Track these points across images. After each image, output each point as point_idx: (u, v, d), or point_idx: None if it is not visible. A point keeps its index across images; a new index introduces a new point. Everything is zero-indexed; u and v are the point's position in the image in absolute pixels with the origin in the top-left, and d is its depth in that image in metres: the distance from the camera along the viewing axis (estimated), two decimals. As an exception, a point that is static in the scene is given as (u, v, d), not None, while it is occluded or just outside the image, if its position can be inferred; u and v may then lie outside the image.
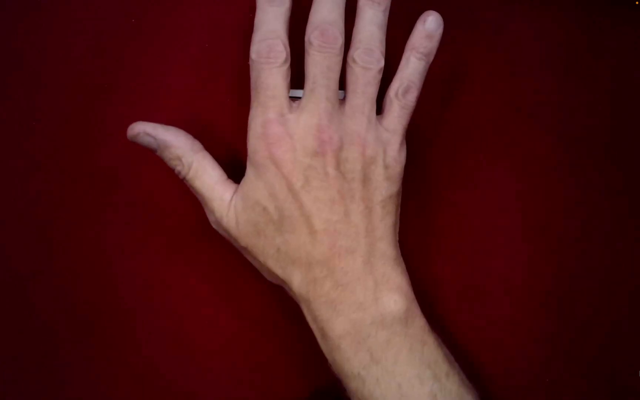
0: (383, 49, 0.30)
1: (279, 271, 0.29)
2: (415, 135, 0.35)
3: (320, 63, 0.28)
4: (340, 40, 0.29)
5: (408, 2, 0.37)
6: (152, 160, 0.35)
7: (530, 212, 0.35)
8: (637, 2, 0.36)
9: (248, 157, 0.29)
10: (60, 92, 0.35)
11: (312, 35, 0.28)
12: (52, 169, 0.35)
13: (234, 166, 0.32)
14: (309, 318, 0.29)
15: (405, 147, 0.31)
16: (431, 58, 0.31)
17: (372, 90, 0.29)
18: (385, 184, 0.29)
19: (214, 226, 0.31)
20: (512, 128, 0.35)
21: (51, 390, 0.33)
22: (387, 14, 0.30)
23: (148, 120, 0.35)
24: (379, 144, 0.29)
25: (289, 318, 0.34)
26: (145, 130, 0.29)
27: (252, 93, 0.29)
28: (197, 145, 0.30)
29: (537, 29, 0.36)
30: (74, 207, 0.35)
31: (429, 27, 0.30)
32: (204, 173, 0.30)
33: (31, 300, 0.34)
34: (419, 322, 0.28)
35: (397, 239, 0.31)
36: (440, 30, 0.30)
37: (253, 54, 0.28)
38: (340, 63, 0.29)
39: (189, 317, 0.34)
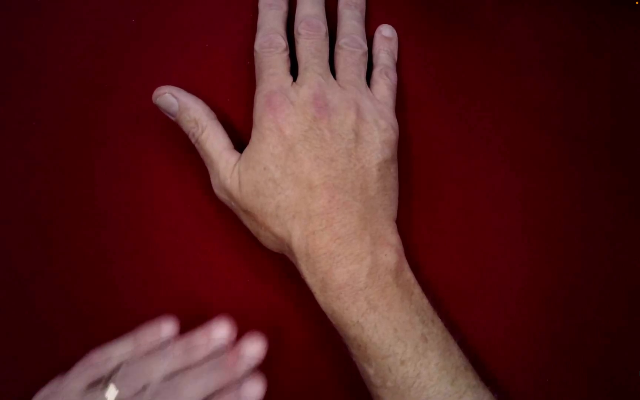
0: (364, 37, 0.34)
1: (278, 229, 0.30)
2: (416, 135, 0.35)
3: (309, 47, 0.32)
4: (324, 28, 0.33)
5: (405, 5, 0.37)
6: (152, 160, 0.35)
7: (530, 211, 0.35)
8: (637, 2, 0.36)
9: (253, 126, 0.31)
10: (60, 92, 0.35)
11: (300, 26, 0.33)
12: (52, 169, 0.35)
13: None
14: (307, 274, 0.30)
15: (396, 120, 0.33)
16: (395, 54, 0.36)
17: (361, 68, 0.33)
18: (380, 146, 0.31)
19: (217, 191, 0.32)
20: (512, 128, 0.35)
21: (51, 390, 0.33)
22: (363, 12, 0.35)
23: (149, 119, 0.35)
24: (374, 110, 0.32)
25: (291, 321, 0.34)
26: (170, 91, 0.32)
27: (257, 78, 0.32)
28: (212, 113, 0.33)
29: (537, 29, 0.36)
30: (74, 207, 0.35)
31: (384, 32, 0.35)
32: (214, 138, 0.32)
33: (31, 300, 0.34)
34: (407, 275, 0.31)
35: (394, 211, 0.32)
36: (395, 34, 0.36)
37: (256, 47, 0.33)
38: (327, 47, 0.33)
39: (189, 317, 0.34)
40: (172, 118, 0.33)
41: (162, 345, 0.29)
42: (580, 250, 0.34)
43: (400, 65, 0.36)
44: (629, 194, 0.35)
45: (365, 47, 0.34)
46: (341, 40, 0.34)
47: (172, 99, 0.32)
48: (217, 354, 0.28)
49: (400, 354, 0.28)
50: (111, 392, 0.27)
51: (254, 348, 0.28)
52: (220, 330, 0.29)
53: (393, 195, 0.32)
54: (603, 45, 0.36)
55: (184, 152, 0.35)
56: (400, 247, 0.31)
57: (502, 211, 0.35)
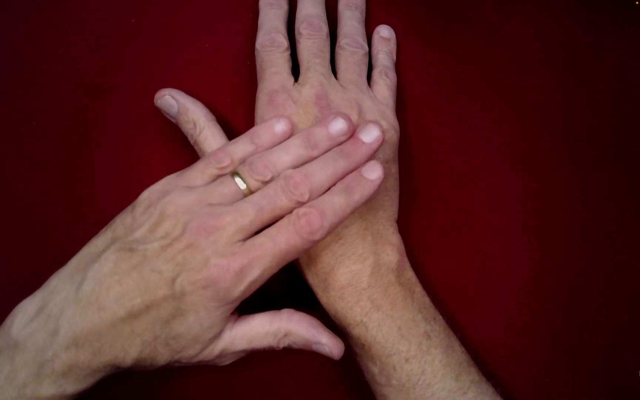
0: (365, 38, 0.35)
1: None
2: (416, 135, 0.35)
3: (311, 47, 0.33)
4: (325, 28, 0.33)
5: (405, 5, 0.37)
6: (152, 160, 0.35)
7: (530, 211, 0.35)
8: (637, 2, 0.36)
9: (255, 124, 0.31)
10: (60, 92, 0.35)
11: (301, 26, 0.33)
12: (52, 169, 0.35)
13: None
14: (309, 274, 0.30)
15: (397, 120, 0.33)
16: (394, 54, 0.36)
17: (362, 69, 0.33)
18: (382, 147, 0.31)
19: None
20: (513, 128, 0.35)
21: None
22: (363, 13, 0.35)
23: (149, 119, 0.35)
24: (375, 110, 0.32)
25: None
26: (170, 94, 0.33)
27: (259, 77, 0.33)
28: (211, 115, 0.33)
29: (537, 29, 0.36)
30: (74, 207, 0.35)
31: (382, 33, 0.35)
32: (212, 139, 0.32)
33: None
34: (408, 274, 0.31)
35: (395, 211, 0.32)
36: (393, 34, 0.36)
37: (258, 46, 0.33)
38: (328, 47, 0.33)
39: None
40: (173, 120, 0.33)
41: (281, 141, 0.29)
42: (580, 250, 0.34)
43: (400, 65, 0.36)
44: (629, 194, 0.35)
45: (367, 48, 0.34)
46: (342, 41, 0.34)
47: (172, 101, 0.32)
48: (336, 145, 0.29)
49: (405, 352, 0.28)
50: (240, 181, 0.27)
51: (373, 133, 0.28)
52: (338, 124, 0.28)
53: (394, 195, 0.32)
54: (603, 45, 0.36)
55: (183, 152, 0.35)
56: (402, 247, 0.31)
57: (502, 211, 0.35)
